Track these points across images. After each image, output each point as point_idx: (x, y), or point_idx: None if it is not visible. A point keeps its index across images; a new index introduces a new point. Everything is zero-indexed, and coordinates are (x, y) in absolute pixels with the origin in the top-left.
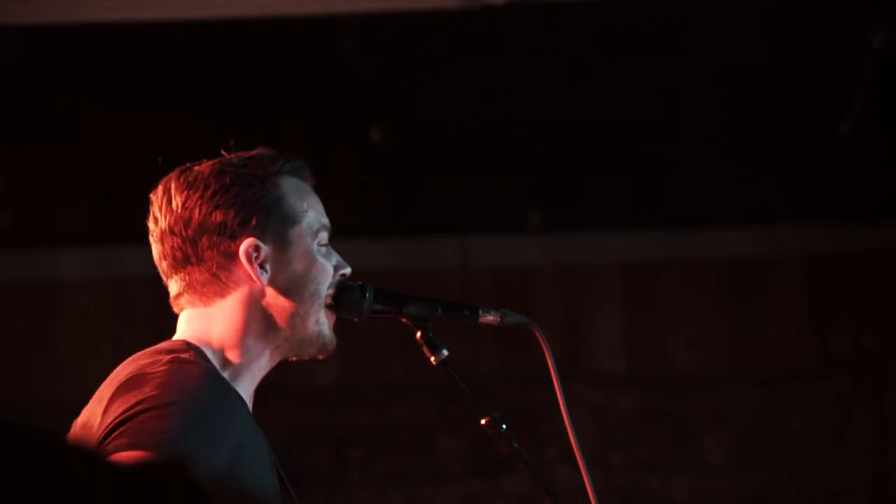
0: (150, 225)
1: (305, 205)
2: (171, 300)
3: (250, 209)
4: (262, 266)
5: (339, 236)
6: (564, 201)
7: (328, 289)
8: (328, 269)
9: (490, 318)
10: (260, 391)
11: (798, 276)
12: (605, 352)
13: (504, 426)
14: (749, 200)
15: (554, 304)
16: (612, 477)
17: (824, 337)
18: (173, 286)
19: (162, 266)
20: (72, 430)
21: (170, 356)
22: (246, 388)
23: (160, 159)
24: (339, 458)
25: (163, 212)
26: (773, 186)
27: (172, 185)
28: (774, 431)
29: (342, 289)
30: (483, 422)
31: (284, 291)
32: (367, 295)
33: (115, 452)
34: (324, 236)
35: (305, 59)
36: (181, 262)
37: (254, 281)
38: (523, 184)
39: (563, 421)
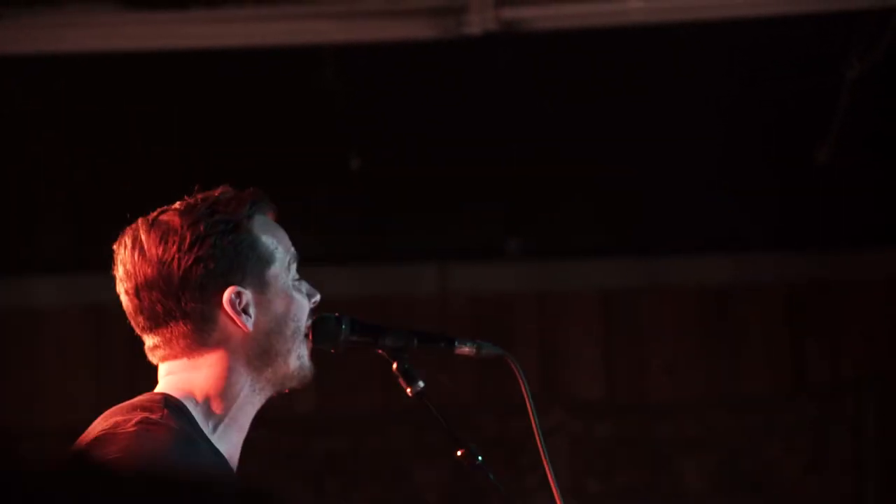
0: (120, 275)
1: (275, 241)
2: (148, 351)
3: (229, 258)
4: (245, 312)
5: (317, 263)
6: (541, 228)
7: (306, 321)
8: (305, 304)
9: (466, 349)
10: None
11: (773, 303)
12: (583, 379)
13: (480, 458)
14: (725, 228)
15: (531, 331)
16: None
17: (799, 363)
18: (148, 340)
19: (138, 321)
20: None
21: (140, 416)
22: (232, 440)
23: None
24: (318, 487)
25: (136, 265)
26: (748, 214)
27: (143, 237)
28: (751, 457)
29: (318, 320)
30: (459, 454)
31: (268, 333)
32: (344, 326)
33: None
34: (294, 268)
35: (283, 89)
36: (162, 317)
37: (238, 328)
38: (501, 211)
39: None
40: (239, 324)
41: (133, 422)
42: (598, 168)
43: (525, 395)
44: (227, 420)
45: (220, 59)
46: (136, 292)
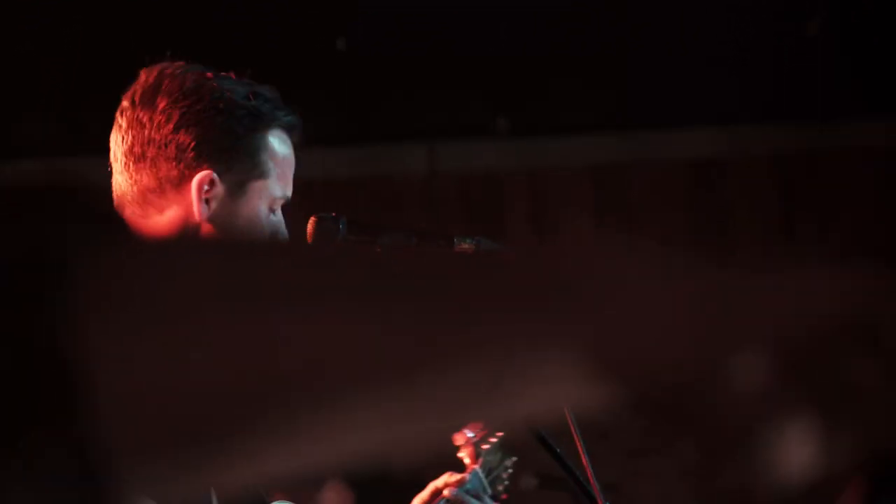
0: (125, 103)
1: (279, 170)
2: (114, 194)
3: (227, 142)
4: (206, 201)
5: (304, 145)
6: (529, 107)
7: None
8: (265, 234)
9: (465, 246)
10: None
11: (763, 175)
12: None
13: None
14: (712, 101)
15: (521, 209)
16: None
17: (790, 236)
18: (121, 180)
19: (116, 154)
20: None
21: None
22: None
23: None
24: None
25: (138, 102)
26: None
27: (166, 81)
28: None
29: (317, 221)
30: None
31: (218, 231)
32: (341, 226)
33: None
34: (278, 205)
35: None
36: (137, 158)
37: (192, 212)
38: (488, 89)
39: None
40: (195, 207)
41: None
42: (584, 44)
43: None
44: None
45: None
46: (129, 125)
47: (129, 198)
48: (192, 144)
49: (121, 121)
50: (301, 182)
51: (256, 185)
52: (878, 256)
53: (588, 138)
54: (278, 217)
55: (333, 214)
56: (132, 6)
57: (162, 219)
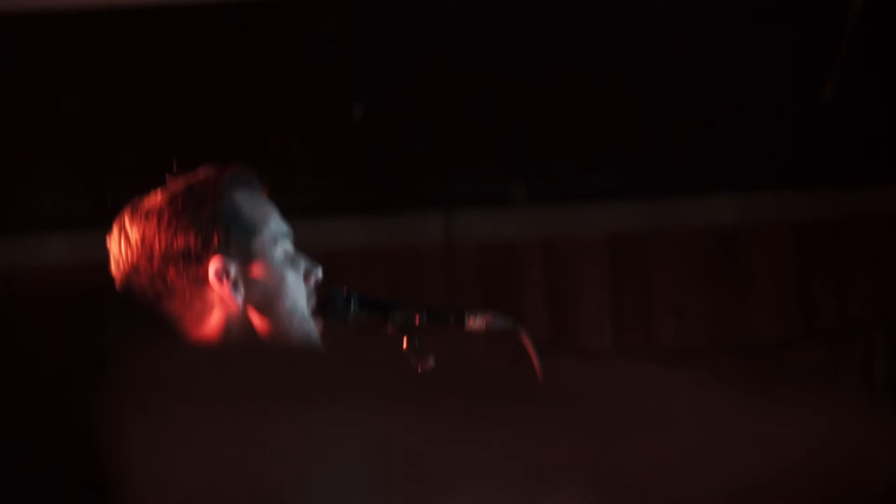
0: (113, 270)
1: (262, 213)
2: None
3: (209, 227)
4: (234, 286)
5: (320, 214)
6: (546, 174)
7: (310, 297)
8: (298, 280)
9: (476, 323)
10: None
11: (781, 243)
12: (591, 325)
13: None
14: (730, 167)
15: (538, 279)
16: None
17: (808, 306)
18: (173, 305)
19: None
20: None
21: None
22: None
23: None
24: None
25: (123, 252)
26: (754, 153)
27: (126, 224)
28: None
29: (326, 299)
30: None
31: (261, 307)
32: (353, 304)
33: None
34: (287, 243)
35: (284, 39)
36: (153, 300)
37: (228, 303)
38: (504, 156)
39: None
40: (227, 297)
41: None
42: (601, 111)
43: (536, 368)
44: None
45: (219, 12)
46: (127, 279)
47: (185, 315)
48: (186, 250)
49: (119, 279)
50: (319, 251)
51: (258, 241)
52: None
53: (605, 206)
54: (294, 254)
55: (344, 291)
56: (151, 74)
57: (202, 329)
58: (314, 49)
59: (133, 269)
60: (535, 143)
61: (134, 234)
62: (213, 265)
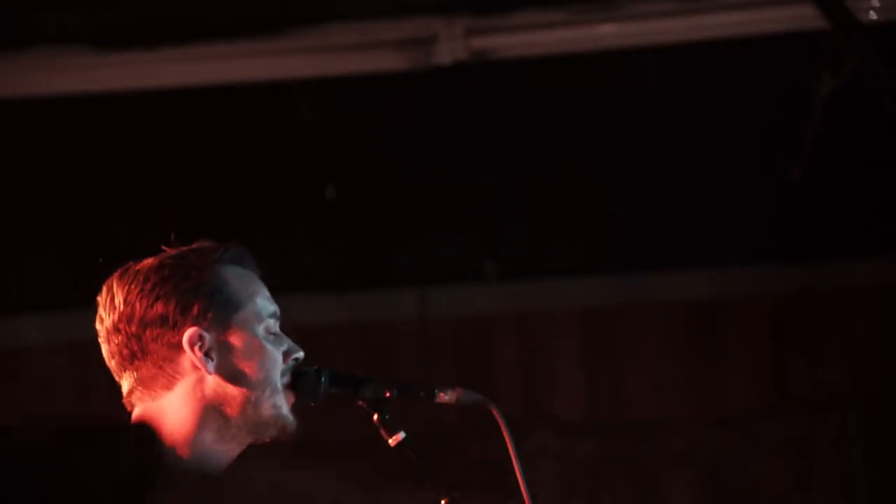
0: (97, 326)
1: (250, 291)
2: (124, 399)
3: (191, 298)
4: (206, 354)
5: (295, 291)
6: (519, 250)
7: (283, 375)
8: (276, 356)
9: (446, 397)
10: None
11: (755, 317)
12: (565, 399)
13: None
14: (704, 244)
15: (512, 353)
16: None
17: (784, 377)
18: (124, 384)
19: (111, 365)
20: None
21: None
22: None
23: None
24: None
25: (107, 311)
26: (727, 229)
27: (114, 284)
28: (737, 473)
29: (297, 374)
30: (443, 503)
31: (232, 379)
32: (323, 379)
33: None
34: (272, 323)
35: (257, 123)
36: (128, 359)
37: (199, 370)
38: (479, 233)
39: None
40: (199, 365)
41: None
42: (574, 188)
43: (507, 442)
44: (194, 465)
45: (194, 95)
46: (107, 336)
47: (137, 395)
48: (165, 316)
49: (101, 335)
50: (293, 327)
51: (239, 316)
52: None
53: (578, 281)
54: (278, 335)
55: (315, 368)
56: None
57: (174, 394)
58: (288, 131)
59: (113, 328)
60: (508, 221)
61: (119, 294)
62: (188, 333)
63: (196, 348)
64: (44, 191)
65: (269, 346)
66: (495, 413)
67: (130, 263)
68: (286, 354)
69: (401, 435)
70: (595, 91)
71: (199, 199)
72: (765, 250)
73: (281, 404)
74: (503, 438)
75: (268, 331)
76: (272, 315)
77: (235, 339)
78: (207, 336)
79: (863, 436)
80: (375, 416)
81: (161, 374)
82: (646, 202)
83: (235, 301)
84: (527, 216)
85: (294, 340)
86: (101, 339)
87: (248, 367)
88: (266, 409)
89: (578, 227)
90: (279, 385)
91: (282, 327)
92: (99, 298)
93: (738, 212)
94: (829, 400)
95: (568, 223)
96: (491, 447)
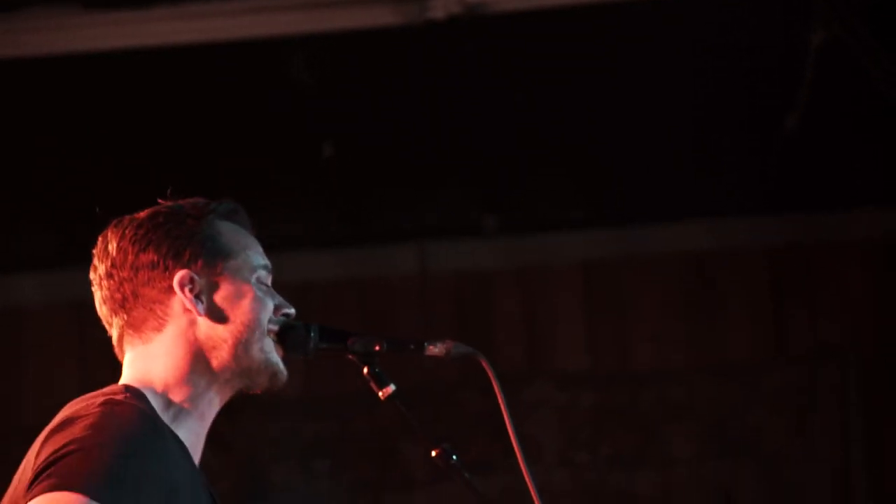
0: (91, 275)
1: (243, 244)
2: (115, 345)
3: (183, 243)
4: (197, 297)
5: (294, 248)
6: (518, 204)
7: (272, 324)
8: (266, 303)
9: (436, 350)
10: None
11: (754, 268)
12: (567, 351)
13: (455, 457)
14: (704, 195)
15: (513, 307)
16: (579, 474)
17: (782, 328)
18: (115, 330)
19: (103, 311)
20: (15, 474)
21: (103, 398)
22: (193, 429)
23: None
24: (306, 469)
25: (100, 259)
26: (727, 181)
27: (108, 233)
28: (737, 424)
29: (286, 328)
30: (434, 454)
31: (222, 319)
32: (312, 334)
33: (42, 493)
34: (263, 275)
35: (252, 81)
36: (119, 303)
37: (190, 312)
38: (477, 188)
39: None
40: (189, 306)
41: (96, 404)
42: (571, 141)
43: (498, 395)
44: (186, 408)
45: (191, 53)
46: (100, 283)
47: (128, 338)
48: (156, 260)
49: (94, 282)
50: (293, 284)
51: (231, 264)
52: (867, 350)
53: (577, 234)
54: (269, 288)
55: (304, 323)
56: (121, 118)
57: (165, 336)
58: (282, 89)
59: (106, 273)
60: (506, 175)
61: (112, 241)
62: (179, 276)
63: (186, 290)
64: (38, 151)
65: (259, 293)
66: (485, 365)
67: (126, 216)
68: (277, 308)
69: (391, 388)
70: (591, 43)
71: (195, 157)
72: (765, 202)
73: (270, 349)
74: (505, 388)
75: (259, 280)
76: (264, 267)
77: (226, 283)
78: (198, 279)
79: (862, 386)
80: (365, 370)
81: (151, 316)
82: (645, 154)
83: (227, 250)
84: (525, 170)
85: (287, 299)
86: (94, 287)
87: (238, 309)
88: (256, 353)
89: (577, 180)
90: (268, 330)
91: (280, 286)
92: (94, 250)
93: (739, 163)
94: (828, 351)
95: (566, 176)
96: (490, 401)
